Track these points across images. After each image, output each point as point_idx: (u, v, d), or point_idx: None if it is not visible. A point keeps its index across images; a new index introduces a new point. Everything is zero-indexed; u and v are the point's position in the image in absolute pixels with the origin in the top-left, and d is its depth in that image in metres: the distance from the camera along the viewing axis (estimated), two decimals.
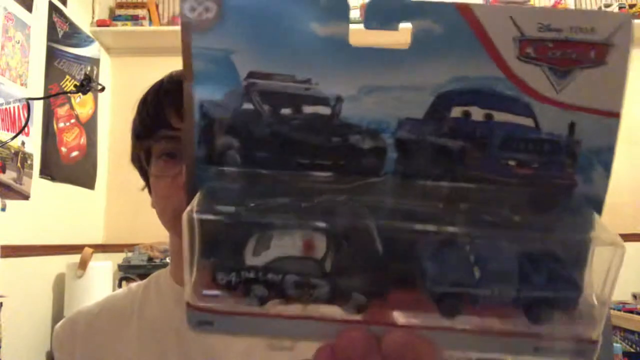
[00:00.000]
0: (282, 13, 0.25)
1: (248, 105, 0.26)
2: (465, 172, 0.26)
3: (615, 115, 0.27)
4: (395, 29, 0.25)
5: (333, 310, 0.26)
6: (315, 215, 0.25)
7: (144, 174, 0.71)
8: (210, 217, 0.24)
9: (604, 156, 0.26)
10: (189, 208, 0.25)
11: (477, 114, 0.25)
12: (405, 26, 0.26)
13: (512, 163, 0.26)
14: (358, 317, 0.25)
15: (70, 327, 0.70)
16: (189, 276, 0.25)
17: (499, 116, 0.25)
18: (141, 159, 0.69)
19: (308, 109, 0.26)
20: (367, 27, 0.25)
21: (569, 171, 0.26)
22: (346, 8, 0.25)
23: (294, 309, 0.26)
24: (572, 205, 0.26)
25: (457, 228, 0.25)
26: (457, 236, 0.25)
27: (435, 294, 0.25)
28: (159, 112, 0.64)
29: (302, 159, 0.26)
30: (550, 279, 0.25)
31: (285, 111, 0.26)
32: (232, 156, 0.26)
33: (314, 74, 0.25)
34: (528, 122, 0.25)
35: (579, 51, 0.25)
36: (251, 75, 0.25)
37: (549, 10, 0.25)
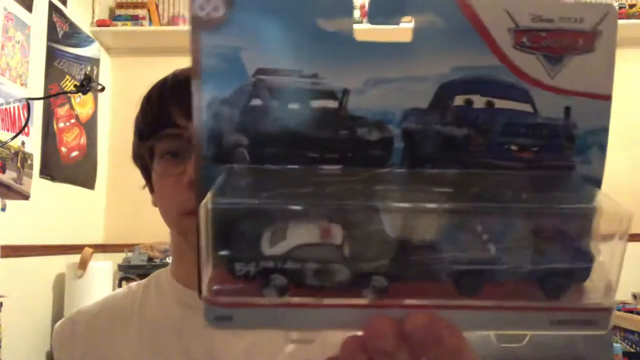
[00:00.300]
0: (288, 10, 0.26)
1: (257, 102, 0.26)
2: (470, 158, 0.27)
3: (606, 98, 0.27)
4: (398, 23, 0.26)
5: (352, 299, 0.26)
6: (329, 202, 0.25)
7: (146, 173, 0.71)
8: (226, 205, 0.25)
9: (599, 137, 0.27)
10: (203, 201, 0.25)
11: (478, 101, 0.26)
12: (407, 25, 0.27)
13: (513, 147, 0.27)
14: (379, 302, 0.26)
15: (70, 326, 0.70)
16: (206, 270, 0.25)
17: (500, 103, 0.27)
18: (144, 158, 0.68)
19: (316, 103, 0.26)
20: (371, 22, 0.26)
21: (567, 153, 0.27)
22: (350, 4, 0.26)
23: (314, 299, 0.26)
24: (572, 185, 0.27)
25: (467, 205, 0.25)
26: (468, 214, 0.25)
27: (453, 273, 0.26)
28: (163, 111, 0.64)
29: (311, 152, 0.26)
30: (562, 251, 0.25)
31: (293, 106, 0.26)
32: (241, 153, 0.27)
33: (321, 68, 0.26)
34: (526, 107, 0.27)
35: (569, 39, 0.26)
36: (259, 71, 0.26)
37: (540, 2, 0.26)
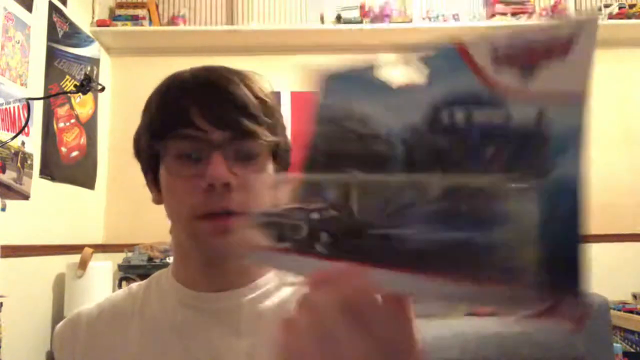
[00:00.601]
0: (359, 77, 0.39)
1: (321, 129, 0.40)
2: (453, 165, 0.31)
3: (579, 97, 0.28)
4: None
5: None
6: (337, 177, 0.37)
7: (150, 170, 0.69)
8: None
9: (575, 138, 0.29)
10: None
11: (459, 115, 0.31)
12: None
13: (490, 152, 0.30)
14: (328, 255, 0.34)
15: (71, 327, 0.70)
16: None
17: (477, 114, 0.31)
18: (152, 155, 0.67)
19: (349, 125, 0.38)
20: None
21: (543, 155, 0.28)
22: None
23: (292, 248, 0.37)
24: (549, 188, 0.28)
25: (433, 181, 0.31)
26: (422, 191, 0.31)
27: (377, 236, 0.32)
28: (183, 111, 0.63)
29: (341, 161, 0.37)
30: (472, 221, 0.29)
31: (335, 129, 0.39)
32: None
33: (357, 104, 0.38)
34: (501, 114, 0.29)
35: (544, 48, 0.28)
36: (324, 107, 0.41)
37: (519, 30, 0.30)
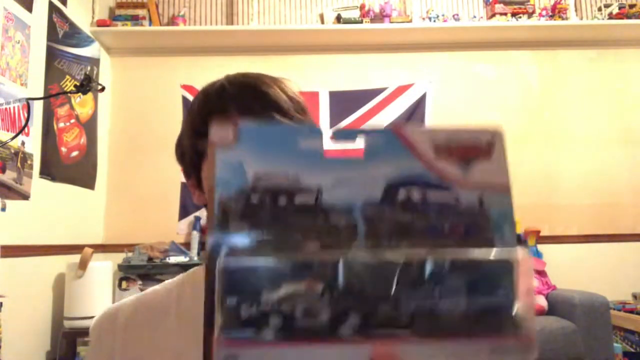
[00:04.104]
0: (279, 136, 0.37)
1: (255, 198, 0.36)
2: (416, 237, 0.36)
3: (507, 190, 0.37)
4: (354, 141, 0.37)
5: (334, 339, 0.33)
6: (313, 263, 0.34)
7: (194, 170, 0.73)
8: (237, 265, 0.33)
9: (509, 219, 0.37)
10: (219, 263, 0.33)
11: (416, 195, 0.37)
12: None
13: (446, 227, 0.36)
14: (354, 338, 0.33)
15: (109, 319, 0.72)
16: (218, 316, 0.32)
17: (431, 196, 0.36)
18: (194, 154, 0.72)
19: (298, 199, 0.36)
20: (334, 142, 0.37)
21: (486, 230, 0.36)
22: (320, 134, 0.37)
23: (304, 339, 0.33)
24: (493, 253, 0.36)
25: (420, 257, 0.34)
26: (419, 269, 0.34)
27: (407, 313, 0.34)
28: (222, 109, 0.69)
29: (297, 236, 0.36)
30: (491, 293, 0.34)
31: (282, 201, 0.36)
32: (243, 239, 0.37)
33: (300, 174, 0.36)
34: (452, 198, 0.36)
35: (473, 150, 0.37)
36: (257, 176, 0.36)
37: (447, 131, 0.37)
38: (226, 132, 0.36)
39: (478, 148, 0.37)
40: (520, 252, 0.35)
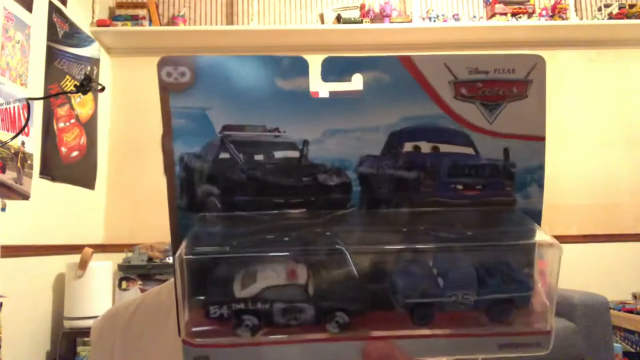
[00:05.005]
0: (249, 73, 0.29)
1: (225, 155, 0.29)
2: (421, 198, 0.30)
3: (540, 139, 0.30)
4: (349, 80, 0.29)
5: (318, 334, 0.28)
6: (294, 247, 0.28)
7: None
8: (199, 256, 0.27)
9: (537, 174, 0.30)
10: (178, 252, 0.27)
11: (425, 147, 0.30)
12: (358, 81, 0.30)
13: (459, 187, 0.30)
14: (342, 335, 0.28)
15: (111, 320, 0.73)
16: (183, 315, 0.28)
17: (444, 148, 0.30)
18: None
19: (279, 154, 0.29)
20: (325, 80, 0.29)
21: (508, 190, 0.30)
22: (306, 65, 0.29)
23: (283, 336, 0.28)
24: (514, 220, 0.30)
25: (420, 245, 0.29)
26: (421, 253, 0.29)
27: (408, 305, 0.29)
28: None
29: (277, 198, 0.29)
30: (504, 281, 0.28)
31: (259, 157, 0.29)
32: (212, 202, 0.29)
33: (282, 123, 0.29)
34: (469, 150, 0.30)
35: (503, 88, 0.29)
36: (226, 128, 0.29)
37: (475, 56, 0.29)
38: (179, 71, 0.28)
39: (511, 82, 0.29)
40: (542, 234, 0.29)
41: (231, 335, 0.28)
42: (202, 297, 0.28)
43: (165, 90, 0.28)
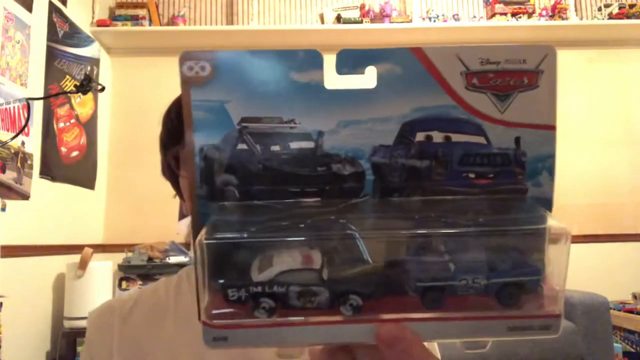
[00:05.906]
0: (265, 67, 0.30)
1: (242, 146, 0.30)
2: (433, 187, 0.31)
3: (551, 128, 0.31)
4: (363, 72, 0.30)
5: (332, 316, 0.29)
6: (309, 233, 0.29)
7: (176, 183, 0.73)
8: (218, 241, 0.28)
9: (548, 162, 0.31)
10: (199, 237, 0.28)
11: (437, 137, 0.31)
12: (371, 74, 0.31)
13: (471, 175, 0.31)
14: (355, 317, 0.29)
15: (108, 313, 0.72)
16: (203, 298, 0.29)
17: (456, 137, 0.31)
18: (172, 166, 0.71)
19: (294, 145, 0.30)
20: (339, 72, 0.30)
21: (519, 178, 0.31)
22: (320, 58, 0.30)
23: (299, 318, 0.29)
24: (525, 207, 0.30)
25: (431, 231, 0.29)
26: (432, 238, 0.29)
27: (419, 289, 0.29)
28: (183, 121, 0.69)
29: (293, 188, 0.30)
30: (514, 266, 0.29)
31: (275, 148, 0.30)
32: (231, 191, 0.30)
33: (297, 114, 0.30)
34: (480, 140, 0.31)
35: (515, 78, 0.30)
36: (243, 120, 0.30)
37: (487, 47, 0.30)
38: (200, 65, 0.30)
39: (522, 72, 0.30)
40: (553, 220, 0.29)
41: (248, 317, 0.29)
42: (221, 281, 0.29)
43: (187, 84, 0.30)
